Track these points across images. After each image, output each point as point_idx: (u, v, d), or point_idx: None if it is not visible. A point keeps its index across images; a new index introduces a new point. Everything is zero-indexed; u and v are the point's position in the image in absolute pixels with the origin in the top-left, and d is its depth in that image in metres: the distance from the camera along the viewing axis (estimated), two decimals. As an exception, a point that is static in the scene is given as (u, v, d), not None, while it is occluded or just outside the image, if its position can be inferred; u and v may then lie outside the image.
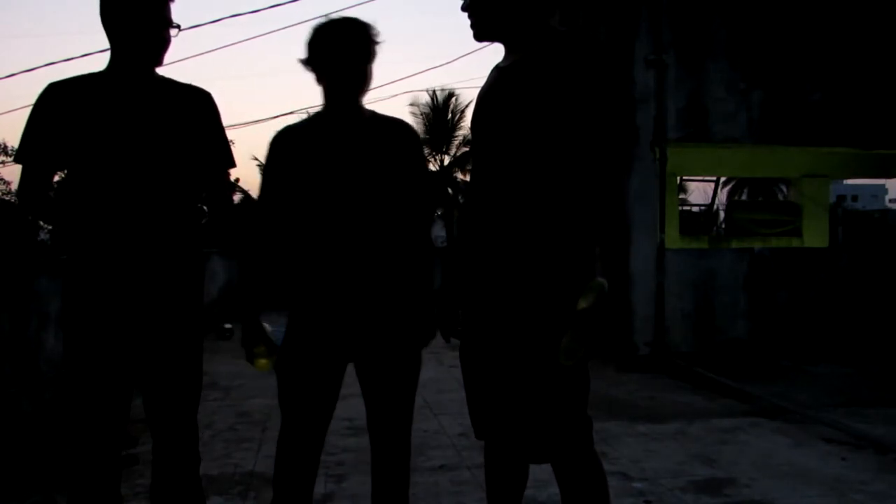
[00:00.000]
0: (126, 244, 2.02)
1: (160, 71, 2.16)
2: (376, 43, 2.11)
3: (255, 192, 18.46)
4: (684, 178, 12.20)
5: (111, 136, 2.02)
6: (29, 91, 2.28)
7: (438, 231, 22.84)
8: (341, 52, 2.06)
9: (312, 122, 2.19)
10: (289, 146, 2.15)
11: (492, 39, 1.94)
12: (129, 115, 2.04)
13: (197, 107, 2.18)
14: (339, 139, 2.12)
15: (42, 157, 2.04)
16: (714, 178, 12.57)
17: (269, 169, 2.18)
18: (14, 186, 19.19)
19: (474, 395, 2.01)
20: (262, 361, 2.15)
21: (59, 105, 2.03)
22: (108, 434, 2.05)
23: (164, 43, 2.10)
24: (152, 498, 2.16)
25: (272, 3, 9.21)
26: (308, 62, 2.11)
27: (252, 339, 2.15)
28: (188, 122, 2.14)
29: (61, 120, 2.02)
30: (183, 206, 2.12)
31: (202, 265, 2.22)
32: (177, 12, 2.13)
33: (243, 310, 2.17)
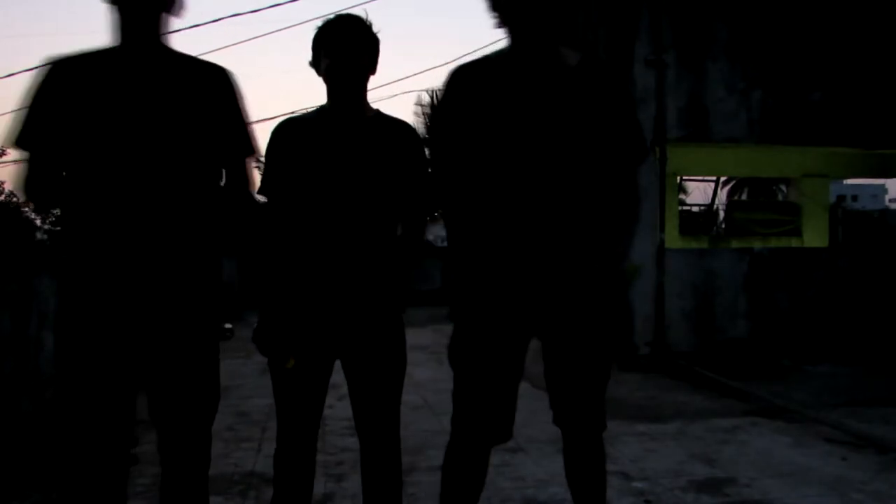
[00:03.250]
0: (134, 238, 1.84)
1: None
2: (375, 39, 2.12)
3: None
4: (684, 178, 12.19)
5: (119, 117, 1.83)
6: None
7: (439, 231, 22.85)
8: (340, 46, 2.07)
9: (315, 116, 2.20)
10: (289, 139, 2.15)
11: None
12: (140, 94, 1.85)
13: (214, 85, 1.96)
14: (339, 136, 2.13)
15: (48, 141, 1.84)
16: (714, 178, 12.57)
17: (268, 160, 2.19)
18: (8, 186, 17.94)
19: (483, 388, 2.00)
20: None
21: (65, 83, 1.83)
22: (109, 437, 1.93)
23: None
24: (161, 495, 2.09)
25: (272, 3, 9.20)
26: (312, 59, 2.14)
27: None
28: (203, 102, 1.93)
29: (68, 100, 1.82)
30: (198, 196, 1.93)
31: (218, 262, 2.02)
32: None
33: (266, 306, 2.11)
